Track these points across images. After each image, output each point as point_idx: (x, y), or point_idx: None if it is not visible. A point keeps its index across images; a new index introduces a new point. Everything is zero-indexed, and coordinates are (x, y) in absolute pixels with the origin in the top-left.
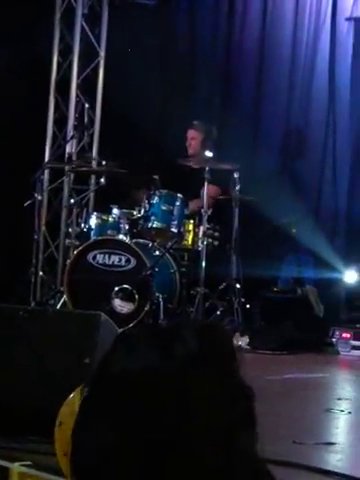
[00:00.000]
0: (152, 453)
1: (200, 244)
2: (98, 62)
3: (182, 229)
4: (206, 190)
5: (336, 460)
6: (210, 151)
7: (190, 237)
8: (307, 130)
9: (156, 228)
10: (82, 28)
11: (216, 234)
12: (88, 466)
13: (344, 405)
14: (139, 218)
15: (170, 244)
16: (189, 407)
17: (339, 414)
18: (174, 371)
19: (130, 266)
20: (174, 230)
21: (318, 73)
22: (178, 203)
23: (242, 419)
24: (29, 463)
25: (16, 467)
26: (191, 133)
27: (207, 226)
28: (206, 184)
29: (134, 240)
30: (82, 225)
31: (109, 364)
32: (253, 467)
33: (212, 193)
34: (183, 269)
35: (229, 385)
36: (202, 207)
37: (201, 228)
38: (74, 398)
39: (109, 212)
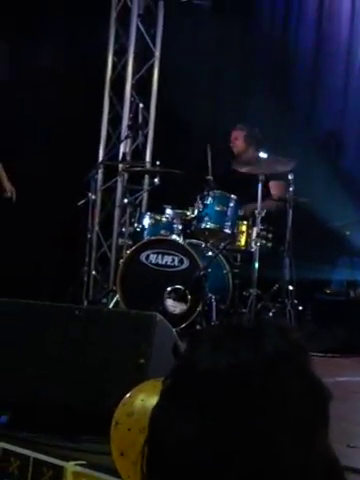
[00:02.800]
0: (236, 447)
1: (253, 245)
2: (153, 62)
3: (235, 230)
4: (260, 191)
5: None
6: (257, 150)
7: (243, 238)
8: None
9: (209, 229)
10: (137, 28)
11: (269, 236)
12: (169, 458)
13: None
14: (192, 218)
15: (223, 245)
16: (277, 403)
17: None
18: (264, 367)
19: (183, 266)
20: (227, 231)
21: None
22: (232, 204)
23: (321, 417)
24: (84, 462)
25: (71, 466)
26: (234, 134)
27: (260, 227)
28: (260, 186)
29: (187, 240)
30: (135, 225)
31: (195, 360)
32: (329, 465)
33: (279, 190)
34: (236, 270)
35: (311, 383)
36: (266, 209)
37: (254, 229)
38: (131, 398)
39: (162, 212)
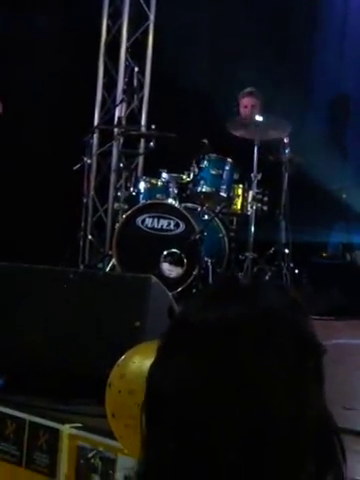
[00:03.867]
0: (227, 395)
1: (249, 209)
2: (148, 26)
3: (231, 193)
4: (256, 155)
5: None
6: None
7: (239, 202)
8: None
9: (205, 192)
10: None
11: (265, 199)
12: (167, 409)
13: None
14: (188, 182)
15: (219, 208)
16: (269, 358)
17: None
18: (254, 321)
19: (179, 230)
20: (223, 194)
21: None
22: (227, 167)
23: (314, 373)
24: (79, 425)
25: (66, 428)
26: (250, 101)
27: (256, 191)
28: (256, 149)
29: (183, 204)
30: (131, 189)
31: (188, 315)
32: (322, 421)
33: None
34: (232, 234)
35: (303, 339)
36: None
37: (250, 192)
38: (124, 360)
39: (158, 176)
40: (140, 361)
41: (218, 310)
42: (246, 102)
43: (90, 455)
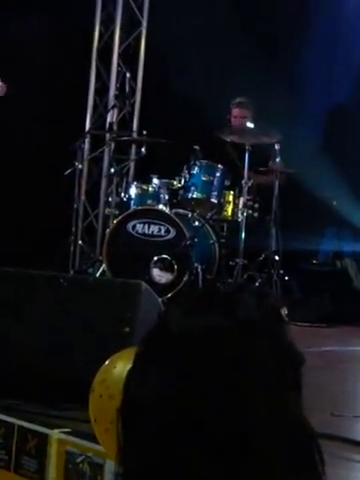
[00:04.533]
0: (206, 406)
1: (240, 215)
2: (140, 32)
3: (222, 200)
4: (247, 162)
5: None
6: (252, 122)
7: (230, 208)
8: (351, 105)
9: (196, 198)
10: None
11: (256, 206)
12: (143, 416)
13: None
14: (179, 188)
15: (210, 215)
16: (248, 367)
17: None
18: (236, 332)
19: (170, 236)
20: (214, 201)
21: None
22: (218, 173)
23: (293, 381)
24: (68, 430)
25: (55, 433)
26: (240, 112)
27: (247, 197)
28: (247, 156)
29: (174, 210)
30: (122, 194)
31: (167, 323)
32: (300, 429)
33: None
34: (222, 240)
35: (283, 348)
36: (270, 181)
37: (241, 199)
38: (107, 366)
39: (149, 182)
40: (122, 366)
41: (197, 320)
42: (236, 113)
43: (78, 460)
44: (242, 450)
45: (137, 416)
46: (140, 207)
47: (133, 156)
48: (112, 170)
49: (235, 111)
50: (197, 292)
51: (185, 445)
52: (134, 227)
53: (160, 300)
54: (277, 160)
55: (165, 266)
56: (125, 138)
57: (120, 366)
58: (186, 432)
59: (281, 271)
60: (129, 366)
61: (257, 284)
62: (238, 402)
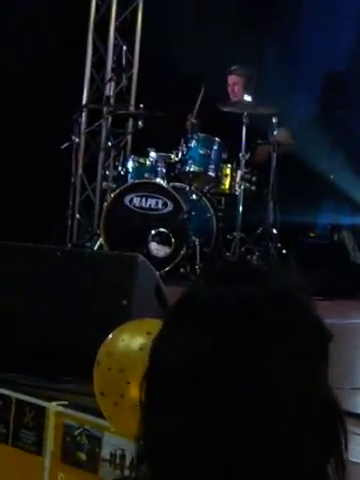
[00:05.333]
0: (237, 372)
1: (237, 189)
2: (137, 4)
3: (219, 173)
4: (245, 134)
5: None
6: (250, 95)
7: (227, 181)
8: (348, 75)
9: (193, 172)
10: None
11: (254, 179)
12: (173, 379)
13: None
14: (176, 162)
15: (207, 188)
16: (281, 337)
17: None
18: (268, 301)
19: (167, 210)
20: (211, 174)
21: None
22: (216, 147)
23: (322, 356)
24: (66, 403)
25: (53, 406)
26: (233, 79)
27: (245, 170)
28: (244, 129)
29: (171, 184)
30: (119, 168)
31: (197, 292)
32: (328, 403)
33: (284, 138)
34: (220, 213)
35: (314, 322)
36: (269, 155)
37: (239, 172)
38: (112, 338)
39: (146, 155)
40: (128, 339)
41: (231, 288)
42: (229, 80)
43: (76, 433)
44: (269, 420)
45: (167, 384)
46: (137, 180)
47: (130, 129)
48: (109, 144)
49: (229, 78)
50: (227, 263)
51: (213, 411)
52: (131, 201)
53: (157, 273)
54: (275, 132)
55: (162, 239)
56: (122, 111)
57: (127, 339)
58: (216, 397)
59: (278, 244)
60: (136, 339)
61: (255, 258)
62: (269, 370)
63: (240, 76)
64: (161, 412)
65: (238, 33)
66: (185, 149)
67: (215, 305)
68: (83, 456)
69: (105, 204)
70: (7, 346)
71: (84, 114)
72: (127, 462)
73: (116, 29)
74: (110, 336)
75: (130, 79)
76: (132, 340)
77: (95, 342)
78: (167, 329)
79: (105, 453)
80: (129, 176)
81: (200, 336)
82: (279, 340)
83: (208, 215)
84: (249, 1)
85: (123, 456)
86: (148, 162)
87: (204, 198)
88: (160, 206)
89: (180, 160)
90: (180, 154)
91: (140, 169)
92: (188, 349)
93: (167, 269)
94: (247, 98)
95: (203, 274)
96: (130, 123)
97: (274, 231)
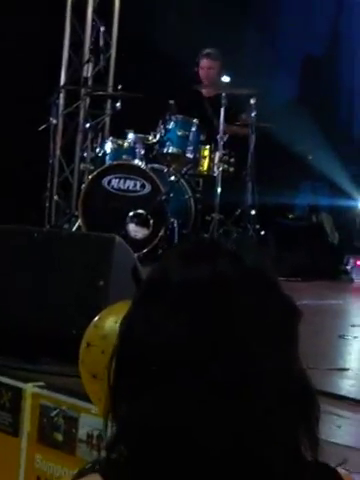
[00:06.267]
0: (214, 350)
1: (216, 170)
2: None
3: (198, 155)
4: (223, 115)
5: (349, 385)
6: (227, 75)
7: (205, 163)
8: (324, 57)
9: (171, 153)
10: None
11: (232, 160)
12: (147, 358)
13: (357, 332)
14: (154, 143)
15: (185, 170)
16: (254, 315)
17: (352, 340)
18: (242, 279)
19: (145, 191)
20: (189, 156)
21: None
22: (194, 128)
23: (294, 333)
24: (42, 384)
25: (29, 387)
26: (207, 63)
27: (223, 152)
28: (223, 110)
29: (149, 165)
30: (97, 150)
31: (169, 272)
32: (304, 377)
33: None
34: (198, 195)
35: (286, 299)
36: (243, 133)
37: (217, 154)
38: (102, 320)
39: (124, 137)
40: (119, 321)
41: (204, 268)
42: (203, 63)
43: (53, 414)
44: (244, 397)
45: (139, 362)
46: (115, 162)
47: (108, 111)
48: (87, 125)
49: (203, 62)
50: (198, 242)
51: (187, 391)
52: (109, 182)
53: (135, 255)
54: (252, 114)
55: (141, 221)
56: (100, 93)
57: (118, 320)
58: (190, 377)
59: (257, 226)
60: None
61: (233, 239)
62: (243, 348)
63: (215, 60)
64: (133, 392)
65: (217, 14)
66: (163, 131)
67: (189, 285)
68: (60, 437)
69: (83, 186)
70: None
71: (62, 95)
72: (104, 443)
73: (94, 10)
74: (98, 318)
75: (108, 60)
76: None
77: (72, 322)
78: (139, 308)
79: (82, 434)
80: (107, 158)
81: (174, 316)
82: (253, 319)
83: (186, 197)
84: None
85: (100, 436)
86: (126, 144)
87: (182, 180)
88: (138, 188)
89: (158, 142)
90: (158, 136)
91: (118, 151)
92: (162, 329)
93: (145, 251)
94: (225, 79)
95: (174, 253)
96: (108, 105)
97: (252, 212)
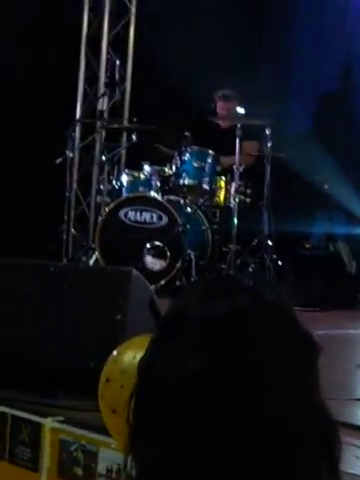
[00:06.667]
0: (234, 383)
1: (232, 201)
2: (129, 19)
3: (214, 186)
4: (238, 147)
5: None
6: (241, 107)
7: (222, 194)
8: (338, 87)
9: (188, 185)
10: None
11: (248, 191)
12: (164, 400)
13: None
14: (171, 175)
15: (202, 201)
16: (274, 350)
17: None
18: (262, 313)
19: (162, 223)
20: (206, 187)
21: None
22: (209, 160)
23: (314, 369)
24: (61, 418)
25: (49, 422)
26: (224, 105)
27: (239, 183)
28: (238, 141)
29: (166, 197)
30: (113, 182)
31: (187, 307)
32: (322, 417)
33: (251, 149)
34: (215, 226)
35: (305, 335)
36: (244, 164)
37: (233, 185)
38: (120, 355)
39: (140, 169)
40: (138, 355)
41: (222, 302)
42: (221, 106)
43: (72, 448)
44: (265, 436)
45: (158, 403)
46: (132, 194)
47: (124, 144)
48: (103, 158)
49: (220, 104)
50: (215, 278)
51: (207, 433)
52: (126, 214)
53: (153, 287)
54: (268, 145)
55: (158, 253)
56: (116, 126)
57: (137, 355)
58: (210, 418)
59: (274, 256)
60: None
61: (250, 269)
62: (263, 384)
63: (233, 102)
64: (154, 430)
65: (231, 47)
66: (179, 162)
67: (207, 320)
68: (79, 471)
69: (100, 218)
70: (1, 363)
71: (78, 129)
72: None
73: (109, 43)
74: (116, 353)
75: (123, 93)
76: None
77: (90, 357)
78: (158, 345)
79: (101, 468)
80: (123, 190)
81: (193, 352)
82: (272, 354)
83: (203, 228)
84: (242, 15)
85: (119, 471)
86: (142, 176)
87: (199, 211)
88: (155, 220)
89: (174, 173)
90: (174, 167)
91: (134, 183)
92: (181, 366)
93: (163, 282)
94: (240, 110)
95: (193, 289)
96: (124, 137)
97: (269, 243)
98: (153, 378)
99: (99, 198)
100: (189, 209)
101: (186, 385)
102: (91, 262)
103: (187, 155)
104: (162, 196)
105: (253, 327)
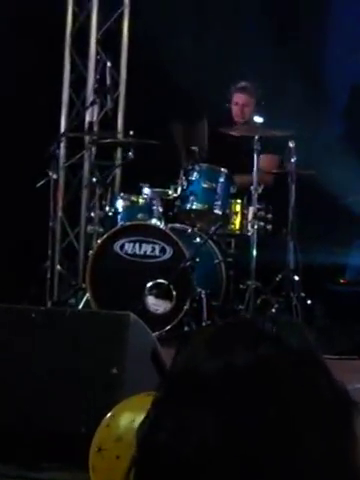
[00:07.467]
0: (261, 445)
1: (250, 228)
2: (122, 12)
3: (228, 211)
4: (256, 163)
5: None
6: (259, 115)
7: (237, 220)
8: None
9: (196, 210)
10: None
11: (269, 216)
12: (180, 461)
13: None
14: (175, 198)
15: (213, 229)
16: (304, 404)
17: None
18: (288, 362)
19: (166, 257)
20: (218, 212)
21: None
22: (222, 179)
23: (351, 429)
24: None
25: None
26: (242, 98)
27: (258, 206)
28: (255, 156)
29: (170, 225)
30: (107, 208)
31: (196, 362)
32: (350, 469)
33: (270, 165)
34: (230, 259)
35: (339, 387)
36: (263, 184)
37: (251, 209)
38: (115, 419)
39: (139, 192)
40: (137, 419)
41: (242, 355)
42: (237, 98)
43: None
44: None
45: (161, 475)
46: (129, 223)
47: (119, 162)
48: (94, 179)
49: (237, 97)
50: (229, 324)
51: None
52: (122, 247)
53: (156, 334)
54: (292, 160)
55: (161, 293)
56: (108, 140)
57: (136, 419)
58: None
59: (302, 294)
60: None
61: (274, 310)
62: (300, 448)
63: (252, 96)
64: None
65: (246, 45)
66: (185, 183)
67: (223, 377)
68: None
69: (91, 252)
70: None
71: (63, 145)
72: None
73: (98, 42)
74: (110, 415)
75: (116, 101)
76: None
77: (82, 420)
78: (162, 409)
79: None
80: (119, 218)
81: (208, 417)
82: (307, 415)
83: (215, 261)
84: (258, 8)
85: None
86: (141, 200)
87: (210, 241)
88: (157, 252)
89: (180, 196)
90: (179, 189)
91: (132, 209)
92: (194, 434)
93: (168, 328)
94: (258, 119)
95: (203, 337)
96: (118, 154)
97: (296, 278)
98: (156, 449)
99: (89, 228)
100: (198, 239)
101: (202, 459)
102: (81, 305)
103: (195, 174)
104: (165, 224)
105: (279, 383)
